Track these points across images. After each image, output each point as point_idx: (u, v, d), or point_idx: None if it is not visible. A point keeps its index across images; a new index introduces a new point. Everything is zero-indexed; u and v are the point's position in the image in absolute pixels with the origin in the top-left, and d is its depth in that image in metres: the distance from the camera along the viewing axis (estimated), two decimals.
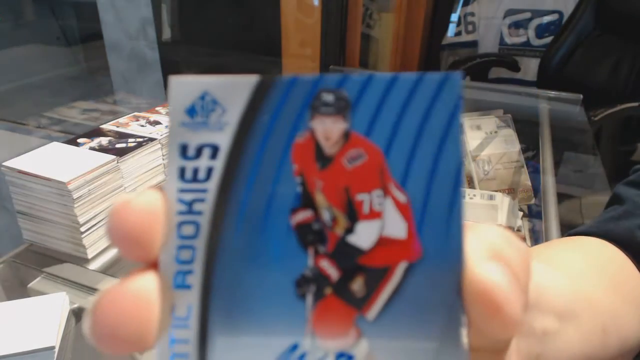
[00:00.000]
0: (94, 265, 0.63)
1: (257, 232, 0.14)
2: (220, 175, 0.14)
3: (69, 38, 2.32)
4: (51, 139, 0.69)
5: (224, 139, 0.14)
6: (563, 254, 0.35)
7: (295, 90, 0.14)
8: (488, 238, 0.15)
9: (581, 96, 1.31)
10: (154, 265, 0.14)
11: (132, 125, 0.77)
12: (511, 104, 1.34)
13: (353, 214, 0.14)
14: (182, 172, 0.14)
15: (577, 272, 0.32)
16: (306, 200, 0.14)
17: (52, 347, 0.48)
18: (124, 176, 0.67)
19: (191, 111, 0.14)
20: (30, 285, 0.60)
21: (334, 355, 0.14)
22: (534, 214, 0.84)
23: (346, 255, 0.14)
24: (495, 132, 0.93)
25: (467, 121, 0.91)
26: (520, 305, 0.14)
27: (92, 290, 0.58)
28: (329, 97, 0.14)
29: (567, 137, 1.19)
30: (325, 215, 0.14)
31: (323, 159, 0.14)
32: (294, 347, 0.14)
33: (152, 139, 0.72)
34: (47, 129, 1.50)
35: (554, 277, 0.28)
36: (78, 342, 0.54)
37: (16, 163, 0.62)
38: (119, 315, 0.13)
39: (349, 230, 0.14)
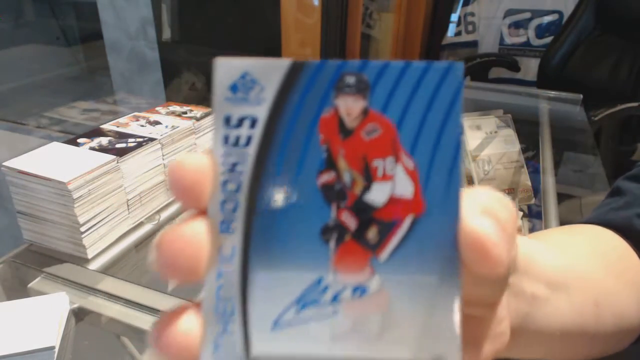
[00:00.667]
0: (94, 265, 0.63)
1: (289, 189, 0.17)
2: (258, 142, 0.17)
3: (69, 38, 2.32)
4: (51, 139, 0.69)
5: (261, 112, 0.17)
6: (562, 237, 0.37)
7: (323, 72, 0.17)
8: (480, 197, 0.17)
9: (581, 96, 1.31)
10: (204, 213, 0.17)
11: (132, 125, 0.77)
12: (511, 104, 1.34)
13: (369, 177, 0.17)
14: (225, 139, 0.17)
15: (573, 252, 0.34)
16: (330, 165, 0.17)
17: (52, 347, 0.48)
18: (124, 176, 0.67)
19: (234, 88, 0.17)
20: (30, 285, 0.60)
21: (351, 288, 0.17)
22: (534, 214, 0.84)
23: (363, 210, 0.17)
24: (495, 132, 0.93)
25: (467, 121, 0.91)
26: (506, 251, 0.16)
27: (92, 290, 0.58)
28: (351, 79, 0.17)
29: (567, 137, 1.19)
30: (346, 177, 0.17)
31: (345, 131, 0.17)
32: (319, 281, 0.17)
33: (152, 139, 0.72)
34: (47, 129, 1.50)
35: (549, 252, 0.30)
36: (78, 342, 0.54)
37: (16, 163, 0.62)
38: (176, 252, 0.16)
39: (366, 189, 0.17)
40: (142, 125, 0.77)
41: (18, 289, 0.62)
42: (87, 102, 1.81)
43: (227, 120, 0.17)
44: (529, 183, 0.84)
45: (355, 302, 0.17)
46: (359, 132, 0.17)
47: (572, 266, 0.32)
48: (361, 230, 0.17)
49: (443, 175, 0.17)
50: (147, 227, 0.71)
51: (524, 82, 1.80)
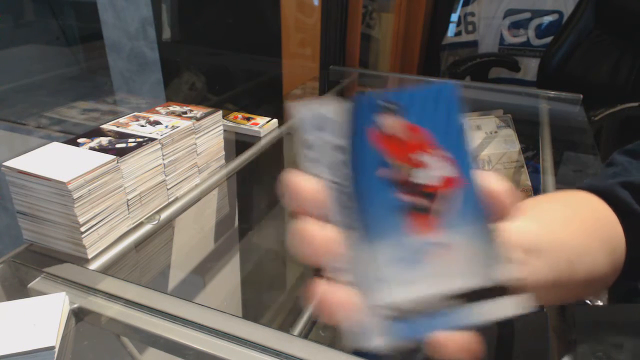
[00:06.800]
0: (94, 266, 0.63)
1: (369, 182, 0.24)
2: (344, 162, 0.24)
3: (69, 38, 2.32)
4: (51, 138, 0.68)
5: (339, 140, 0.24)
6: (543, 205, 0.44)
7: (370, 102, 0.24)
8: (490, 175, 0.26)
9: (581, 96, 1.31)
10: (314, 216, 0.24)
11: (132, 125, 0.77)
12: (511, 104, 1.35)
13: (421, 167, 0.24)
14: (330, 163, 0.25)
15: (549, 217, 0.41)
16: (394, 164, 0.24)
17: (52, 347, 0.48)
18: (124, 176, 0.67)
19: (312, 124, 0.24)
20: (30, 285, 0.60)
21: (428, 243, 0.24)
22: None
23: (414, 189, 0.24)
24: (495, 132, 0.93)
25: (467, 121, 0.91)
26: (512, 203, 0.26)
27: (92, 290, 0.58)
28: (391, 106, 0.24)
29: (567, 137, 1.19)
30: (406, 171, 0.24)
31: (398, 141, 0.24)
32: (406, 243, 0.24)
33: (152, 139, 0.72)
34: (47, 129, 1.49)
35: (523, 223, 0.36)
36: (78, 342, 0.54)
37: (16, 163, 0.62)
38: (319, 249, 0.24)
39: (414, 175, 0.24)
40: (142, 125, 0.77)
41: (18, 289, 0.62)
42: (87, 102, 1.81)
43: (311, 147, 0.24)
44: (529, 183, 0.84)
45: (432, 252, 0.24)
46: (406, 140, 0.24)
47: (546, 229, 0.38)
48: (426, 204, 0.24)
49: (467, 159, 0.24)
50: (147, 227, 0.71)
51: (523, 82, 1.80)
